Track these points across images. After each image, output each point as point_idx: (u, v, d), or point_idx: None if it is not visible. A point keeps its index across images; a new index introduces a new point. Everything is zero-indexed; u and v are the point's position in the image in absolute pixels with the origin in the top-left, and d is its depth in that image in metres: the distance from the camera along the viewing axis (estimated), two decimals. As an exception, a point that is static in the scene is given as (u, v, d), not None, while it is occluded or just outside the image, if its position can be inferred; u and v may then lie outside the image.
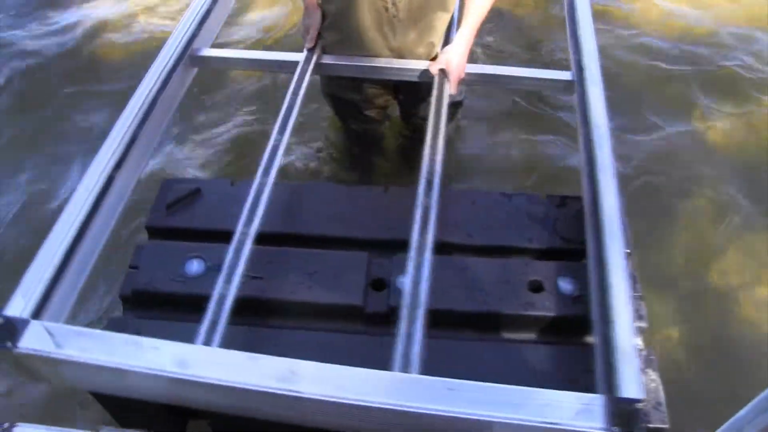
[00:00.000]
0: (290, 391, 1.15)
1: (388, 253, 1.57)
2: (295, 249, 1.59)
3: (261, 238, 1.47)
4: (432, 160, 1.58)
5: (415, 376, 1.19)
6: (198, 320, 1.44)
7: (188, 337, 1.39)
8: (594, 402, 1.13)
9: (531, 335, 1.48)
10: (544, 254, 1.59)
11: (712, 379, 2.04)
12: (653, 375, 1.30)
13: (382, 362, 1.34)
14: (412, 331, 1.27)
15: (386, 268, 1.53)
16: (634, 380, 1.16)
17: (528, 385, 1.16)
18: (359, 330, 1.48)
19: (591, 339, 1.43)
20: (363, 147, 2.45)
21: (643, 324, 1.38)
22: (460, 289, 1.48)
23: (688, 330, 2.16)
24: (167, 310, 1.52)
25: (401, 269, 1.50)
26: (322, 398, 1.14)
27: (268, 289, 1.48)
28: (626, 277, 1.32)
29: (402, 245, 1.55)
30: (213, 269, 1.52)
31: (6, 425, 1.16)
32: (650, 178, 2.59)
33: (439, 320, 1.37)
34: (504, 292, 1.47)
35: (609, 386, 1.17)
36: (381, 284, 1.52)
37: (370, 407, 1.13)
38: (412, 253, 1.41)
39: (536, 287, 1.48)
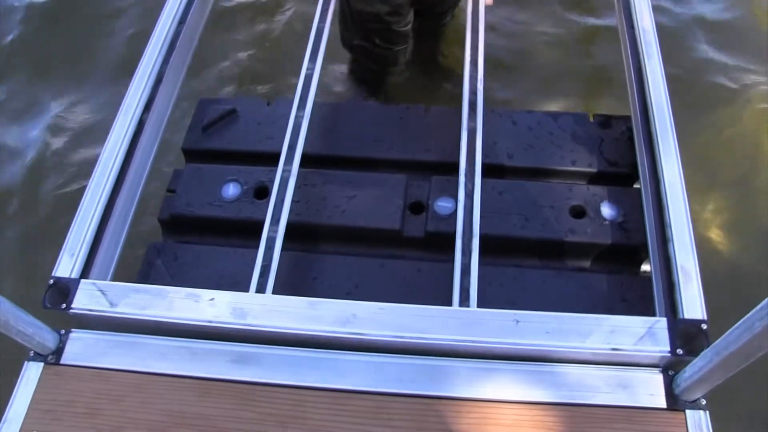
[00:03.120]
0: (353, 333, 1.15)
1: (427, 174, 1.52)
2: (331, 171, 1.55)
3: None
4: (473, 80, 1.51)
5: (481, 310, 1.18)
6: (237, 244, 1.47)
7: (227, 262, 1.43)
8: (657, 325, 1.12)
9: (573, 262, 1.45)
10: (587, 177, 1.53)
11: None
12: None
13: (422, 287, 1.37)
14: (469, 263, 1.25)
15: (424, 190, 1.49)
16: (697, 301, 1.15)
17: (563, 310, 1.16)
18: (397, 254, 1.46)
19: (628, 266, 1.42)
20: (387, 68, 2.34)
21: None
22: (500, 214, 1.45)
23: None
24: (205, 233, 1.52)
25: (439, 191, 1.48)
26: (386, 338, 1.14)
27: (305, 212, 1.46)
28: (684, 193, 1.28)
29: (440, 166, 1.54)
30: (249, 192, 1.52)
31: (63, 332, 1.20)
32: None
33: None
34: (545, 217, 1.44)
35: (671, 308, 1.16)
36: (419, 207, 1.48)
37: (440, 344, 1.13)
38: (462, 179, 1.36)
39: (579, 213, 1.44)
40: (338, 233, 1.48)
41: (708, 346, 1.01)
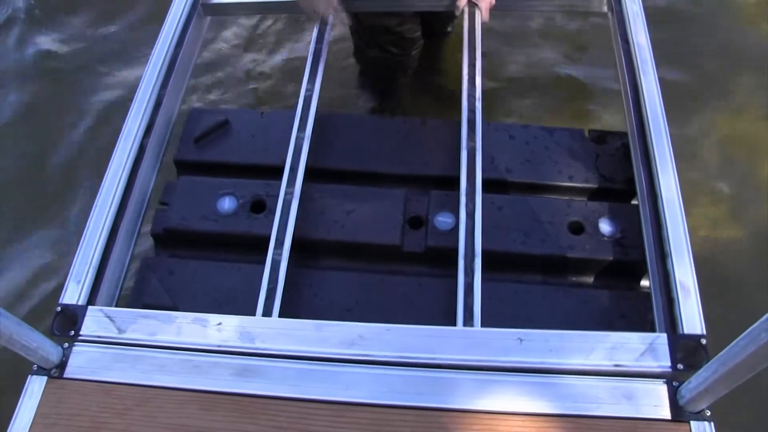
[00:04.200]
0: (359, 355, 1.16)
1: (424, 188, 1.52)
2: (329, 185, 1.54)
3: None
4: (471, 98, 1.52)
5: (485, 330, 1.19)
6: (233, 258, 1.46)
7: (224, 277, 1.43)
8: (658, 341, 1.14)
9: (572, 277, 1.45)
10: (584, 193, 1.54)
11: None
12: None
13: (423, 302, 1.37)
14: (472, 282, 1.26)
15: (423, 205, 1.49)
16: (696, 316, 1.17)
17: (563, 326, 1.17)
18: (396, 270, 1.46)
19: (626, 282, 1.43)
20: (405, 72, 2.38)
21: None
22: (500, 229, 1.44)
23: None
24: (201, 248, 1.50)
25: (439, 206, 1.48)
26: (392, 359, 1.16)
27: (303, 227, 1.44)
28: (682, 209, 1.29)
29: (437, 180, 1.54)
30: (246, 206, 1.50)
31: (66, 345, 1.20)
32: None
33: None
34: (545, 232, 1.44)
35: (671, 323, 1.18)
36: (418, 222, 1.48)
37: (445, 364, 1.15)
38: (463, 198, 1.37)
39: (577, 228, 1.45)
40: (337, 248, 1.48)
41: (707, 361, 1.02)
